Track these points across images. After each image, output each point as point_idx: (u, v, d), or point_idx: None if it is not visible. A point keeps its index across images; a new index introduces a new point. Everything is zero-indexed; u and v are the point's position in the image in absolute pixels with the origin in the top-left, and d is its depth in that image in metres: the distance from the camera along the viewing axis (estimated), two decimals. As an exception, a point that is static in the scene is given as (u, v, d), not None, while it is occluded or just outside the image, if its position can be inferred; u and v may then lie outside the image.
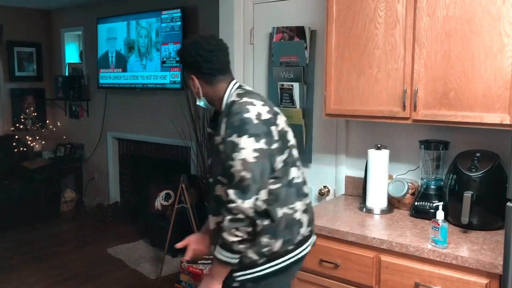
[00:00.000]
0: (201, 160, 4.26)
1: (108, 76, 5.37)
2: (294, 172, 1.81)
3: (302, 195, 1.84)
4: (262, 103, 1.74)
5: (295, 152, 1.83)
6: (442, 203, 2.07)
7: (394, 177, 2.51)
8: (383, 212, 2.40)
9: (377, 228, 2.21)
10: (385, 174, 2.42)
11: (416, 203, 2.35)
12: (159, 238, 4.28)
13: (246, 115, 1.68)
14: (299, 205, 1.81)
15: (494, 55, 1.96)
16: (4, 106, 6.02)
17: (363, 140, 2.73)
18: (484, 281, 1.79)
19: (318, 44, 2.84)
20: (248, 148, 1.64)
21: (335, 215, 2.40)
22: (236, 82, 1.89)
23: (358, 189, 2.73)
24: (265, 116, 1.71)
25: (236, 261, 1.71)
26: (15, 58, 6.08)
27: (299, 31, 2.86)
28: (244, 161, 1.63)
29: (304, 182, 1.88)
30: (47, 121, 6.27)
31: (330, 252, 2.18)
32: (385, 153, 2.42)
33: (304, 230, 1.83)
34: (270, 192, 1.71)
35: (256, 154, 1.64)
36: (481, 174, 2.08)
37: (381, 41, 2.26)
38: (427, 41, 2.12)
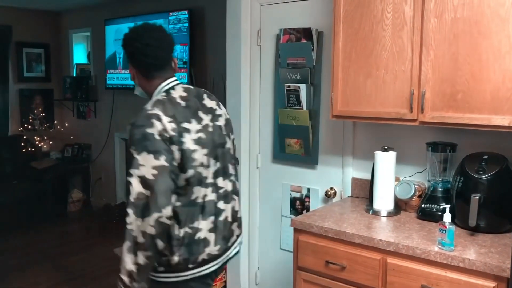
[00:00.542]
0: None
1: (116, 77, 5.40)
2: (199, 191, 1.76)
3: (209, 214, 1.79)
4: (170, 119, 1.69)
5: (204, 172, 1.78)
6: (449, 205, 2.07)
7: (401, 179, 2.51)
8: (389, 214, 2.40)
9: (383, 230, 2.21)
10: (392, 176, 2.41)
11: (423, 205, 2.34)
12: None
13: (148, 130, 1.64)
14: (203, 224, 1.77)
15: (502, 57, 1.95)
16: (12, 106, 6.07)
17: (370, 142, 2.72)
18: (491, 284, 1.78)
19: (325, 45, 2.84)
20: (147, 165, 1.60)
21: (341, 217, 2.40)
22: (169, 82, 1.86)
23: (364, 191, 2.73)
24: (169, 133, 1.67)
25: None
26: (24, 59, 6.13)
27: (306, 33, 2.87)
28: (142, 178, 1.60)
29: (220, 198, 1.84)
30: (55, 122, 6.32)
31: (336, 254, 2.18)
32: (392, 155, 2.41)
33: (211, 249, 1.80)
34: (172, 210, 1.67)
35: (155, 172, 1.60)
36: (488, 176, 2.06)
37: (388, 43, 2.26)
38: (434, 43, 2.11)
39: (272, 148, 3.18)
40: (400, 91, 2.24)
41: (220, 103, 2.00)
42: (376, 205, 2.42)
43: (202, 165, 1.76)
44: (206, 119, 1.85)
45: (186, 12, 4.56)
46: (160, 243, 1.66)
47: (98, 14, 5.64)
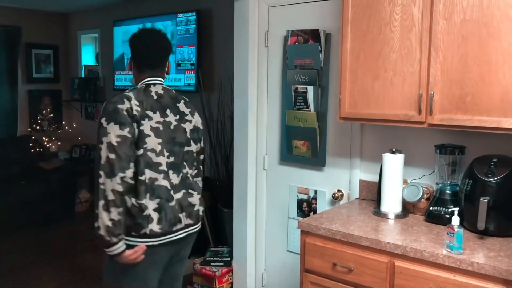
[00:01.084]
0: (214, 162, 4.27)
1: (124, 78, 5.42)
2: (149, 174, 2.02)
3: (156, 196, 2.04)
4: (138, 103, 2.02)
5: (156, 159, 2.04)
6: (457, 208, 2.05)
7: (409, 181, 2.49)
8: (397, 216, 2.39)
9: (391, 233, 2.20)
10: (399, 178, 2.40)
11: (431, 208, 2.32)
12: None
13: (119, 106, 1.98)
14: (150, 203, 2.02)
15: (512, 59, 1.93)
16: (21, 107, 6.12)
17: (377, 144, 2.71)
18: (500, 288, 1.77)
19: (333, 47, 2.83)
20: (113, 133, 1.94)
21: (349, 219, 2.39)
22: (153, 80, 2.15)
23: (372, 193, 2.71)
24: (133, 113, 1.99)
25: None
26: (33, 60, 6.18)
27: (314, 34, 2.86)
28: (109, 144, 1.93)
29: (172, 187, 2.09)
30: (63, 122, 6.36)
31: (343, 257, 2.17)
32: (400, 157, 2.40)
33: (153, 226, 2.03)
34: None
35: (119, 140, 1.94)
36: (498, 179, 2.05)
37: (396, 45, 2.25)
38: (443, 45, 2.10)
39: (279, 150, 3.17)
40: (409, 93, 2.23)
41: (196, 113, 2.30)
42: (384, 207, 2.41)
43: (153, 151, 2.04)
44: (172, 117, 2.14)
45: (193, 13, 4.58)
46: (128, 201, 1.98)
47: (107, 16, 5.67)
